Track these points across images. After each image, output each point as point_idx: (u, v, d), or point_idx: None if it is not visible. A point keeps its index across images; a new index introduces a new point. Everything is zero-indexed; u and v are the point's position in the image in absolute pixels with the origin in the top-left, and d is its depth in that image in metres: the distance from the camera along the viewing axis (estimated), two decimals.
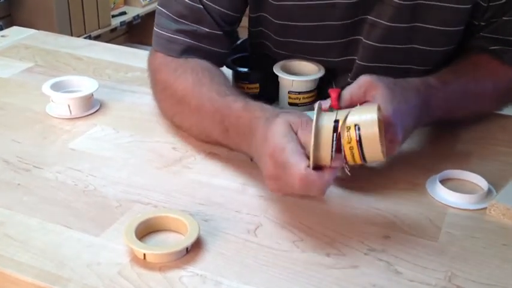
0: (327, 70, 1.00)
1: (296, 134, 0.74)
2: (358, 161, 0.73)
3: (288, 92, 0.99)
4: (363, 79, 0.80)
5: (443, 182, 0.84)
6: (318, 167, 0.71)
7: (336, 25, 0.96)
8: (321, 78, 0.99)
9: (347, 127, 0.71)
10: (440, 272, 0.69)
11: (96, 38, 2.94)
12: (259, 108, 0.81)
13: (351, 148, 0.72)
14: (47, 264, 0.68)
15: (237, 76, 1.03)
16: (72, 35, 2.71)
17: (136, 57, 1.23)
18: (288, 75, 0.99)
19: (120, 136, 0.95)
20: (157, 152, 0.91)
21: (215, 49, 0.98)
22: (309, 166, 0.70)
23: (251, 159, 0.83)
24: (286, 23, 0.99)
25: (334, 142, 0.71)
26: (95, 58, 1.23)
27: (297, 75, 0.99)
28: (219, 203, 0.80)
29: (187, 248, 0.70)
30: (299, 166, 0.70)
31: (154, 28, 0.99)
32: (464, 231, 0.76)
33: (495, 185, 0.84)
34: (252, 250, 0.72)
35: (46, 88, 1.00)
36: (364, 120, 0.71)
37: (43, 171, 0.86)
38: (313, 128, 0.71)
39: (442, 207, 0.80)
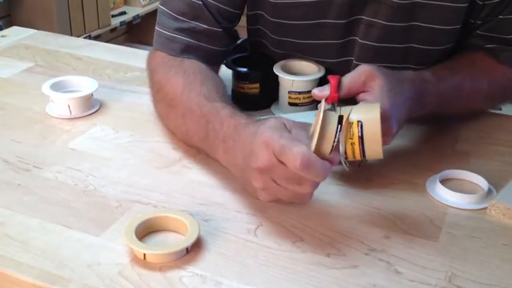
0: (325, 71, 1.00)
1: (290, 132, 0.73)
2: (358, 157, 0.74)
3: (288, 92, 0.99)
4: (363, 68, 0.83)
5: (443, 182, 0.84)
6: None
7: (331, 25, 0.96)
8: (321, 78, 0.99)
9: (350, 123, 0.73)
10: (440, 272, 0.69)
11: (96, 38, 2.94)
12: (245, 117, 0.81)
13: (352, 144, 0.73)
14: (47, 265, 0.68)
15: (237, 76, 1.03)
16: (72, 35, 2.71)
17: (136, 57, 1.23)
18: (288, 75, 0.99)
19: (120, 136, 0.95)
20: (157, 152, 0.91)
21: (214, 47, 0.98)
22: None
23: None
24: (282, 21, 0.99)
25: (338, 133, 0.72)
26: (94, 58, 1.23)
27: (297, 75, 0.99)
28: (219, 203, 0.80)
29: (187, 248, 0.70)
30: (301, 146, 0.68)
31: (156, 27, 0.99)
32: (464, 231, 0.76)
33: (495, 184, 0.84)
34: (252, 250, 0.72)
35: (46, 88, 1.00)
36: (367, 118, 0.73)
37: (43, 171, 0.86)
38: (320, 115, 0.71)
39: (442, 207, 0.80)
